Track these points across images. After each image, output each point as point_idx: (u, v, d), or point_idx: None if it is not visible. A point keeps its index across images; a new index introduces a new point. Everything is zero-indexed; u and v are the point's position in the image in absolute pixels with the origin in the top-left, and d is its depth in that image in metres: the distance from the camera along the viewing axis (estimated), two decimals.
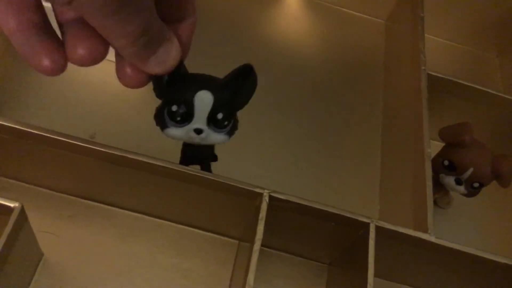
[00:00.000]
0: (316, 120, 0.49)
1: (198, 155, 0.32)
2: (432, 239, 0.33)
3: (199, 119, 0.27)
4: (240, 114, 0.47)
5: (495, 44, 0.60)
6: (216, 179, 0.31)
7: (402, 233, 0.33)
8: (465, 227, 0.46)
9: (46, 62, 0.19)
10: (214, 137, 0.28)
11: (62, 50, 0.19)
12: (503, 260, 0.33)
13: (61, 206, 0.37)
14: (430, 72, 0.42)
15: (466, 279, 0.37)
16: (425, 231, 0.33)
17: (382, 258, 0.32)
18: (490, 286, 0.37)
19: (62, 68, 0.20)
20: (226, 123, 0.28)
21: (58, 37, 0.20)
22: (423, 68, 0.42)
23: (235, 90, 0.28)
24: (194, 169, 0.31)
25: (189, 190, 0.33)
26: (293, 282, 0.39)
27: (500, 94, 0.44)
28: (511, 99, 0.44)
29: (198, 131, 0.27)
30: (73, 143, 0.30)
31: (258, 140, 0.45)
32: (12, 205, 0.28)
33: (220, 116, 0.27)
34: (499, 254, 0.33)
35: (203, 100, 0.26)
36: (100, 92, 0.44)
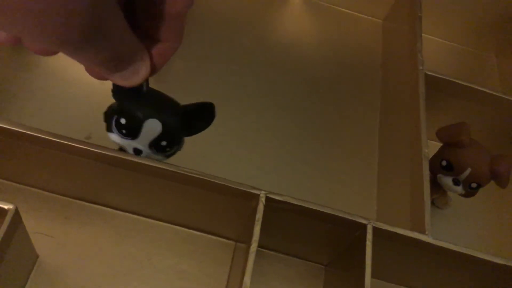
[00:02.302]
0: (314, 120, 0.49)
1: None
2: (430, 240, 0.33)
3: (142, 141, 0.28)
4: (237, 114, 0.47)
5: (493, 44, 0.60)
6: (213, 180, 0.31)
7: (399, 234, 0.32)
8: (462, 228, 0.45)
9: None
10: (153, 156, 0.29)
11: None
12: (501, 261, 0.33)
13: (57, 208, 0.37)
14: (427, 72, 0.42)
15: (463, 280, 0.37)
16: (423, 232, 0.33)
17: (380, 259, 0.32)
18: (487, 287, 0.37)
19: (12, 44, 0.19)
20: (168, 149, 0.29)
21: None
22: (420, 68, 0.42)
23: (189, 122, 0.28)
24: (190, 170, 0.31)
25: (185, 191, 0.33)
26: (290, 284, 0.38)
27: (498, 94, 0.44)
28: (509, 99, 0.44)
29: (137, 152, 0.29)
30: (68, 144, 0.30)
31: (255, 141, 0.45)
32: (6, 207, 0.28)
33: (163, 143, 0.28)
34: (496, 255, 0.33)
35: (151, 127, 0.27)
36: (95, 93, 0.43)
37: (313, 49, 0.54)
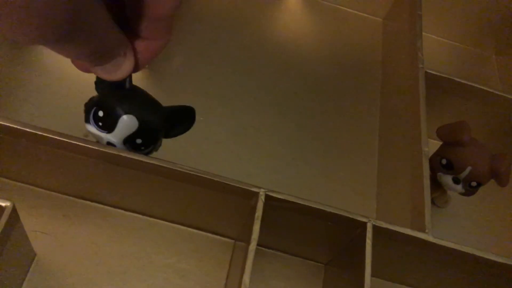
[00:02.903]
0: (313, 119, 0.48)
1: None
2: (430, 238, 0.32)
3: (117, 136, 0.28)
4: (237, 112, 0.47)
5: (493, 42, 0.59)
6: (212, 178, 0.30)
7: (399, 233, 0.32)
8: (462, 227, 0.45)
9: None
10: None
11: None
12: (501, 259, 0.33)
13: (55, 206, 0.37)
14: (428, 70, 0.42)
15: (464, 278, 0.37)
16: (423, 230, 0.33)
17: (379, 257, 0.31)
18: (487, 285, 0.37)
19: None
20: (142, 148, 0.29)
21: None
22: (421, 66, 0.42)
23: (168, 124, 0.28)
24: (190, 168, 0.30)
25: (184, 189, 0.32)
26: (289, 282, 0.38)
27: (498, 92, 0.44)
28: (509, 98, 0.44)
29: (110, 145, 0.29)
30: (67, 141, 0.30)
31: (254, 139, 0.45)
32: (3, 204, 0.27)
33: (138, 141, 0.28)
34: (497, 254, 0.33)
35: (127, 123, 0.27)
36: (94, 91, 0.43)
37: (313, 47, 0.54)
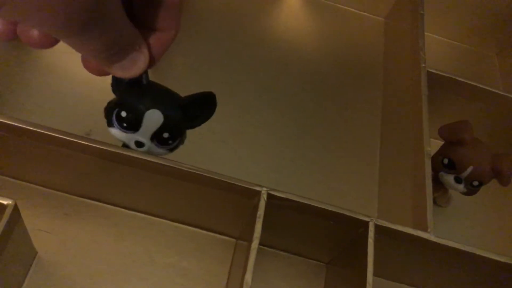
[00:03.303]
0: (315, 118, 0.48)
1: None
2: (432, 237, 0.32)
3: (144, 133, 0.28)
4: (239, 111, 0.47)
5: (495, 42, 0.59)
6: (214, 177, 0.30)
7: (401, 232, 0.32)
8: (464, 226, 0.45)
9: None
10: (155, 150, 0.29)
11: (13, 24, 0.19)
12: (503, 259, 0.33)
13: (56, 204, 0.37)
14: (430, 70, 0.42)
15: (465, 278, 0.37)
16: (425, 229, 0.33)
17: (381, 257, 0.31)
18: (489, 284, 0.37)
19: (6, 38, 0.19)
20: (170, 142, 0.28)
21: None
22: (423, 65, 0.42)
23: (191, 113, 0.28)
24: (192, 166, 0.30)
25: (186, 188, 0.32)
26: (291, 281, 0.38)
27: (500, 92, 0.44)
28: (510, 97, 0.44)
29: (139, 144, 0.28)
30: (69, 140, 0.30)
31: (257, 138, 0.45)
32: (5, 202, 0.27)
33: (166, 135, 0.28)
34: (498, 253, 0.33)
35: (153, 118, 0.27)
36: (96, 90, 0.43)
37: (315, 46, 0.54)
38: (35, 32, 0.19)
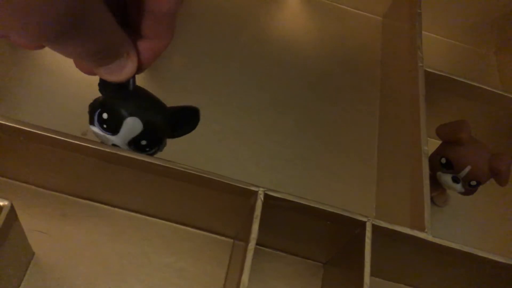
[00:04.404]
0: (312, 117, 0.48)
1: None
2: (429, 237, 0.32)
3: (122, 138, 0.28)
4: (236, 111, 0.47)
5: (492, 41, 0.59)
6: (210, 177, 0.30)
7: (399, 232, 0.32)
8: (462, 226, 0.45)
9: None
10: None
11: None
12: (500, 259, 0.33)
13: (53, 205, 0.37)
14: (427, 69, 0.42)
15: (463, 278, 0.37)
16: (422, 229, 0.33)
17: (379, 257, 0.31)
18: (487, 285, 0.37)
19: None
20: (147, 149, 0.29)
21: None
22: (420, 65, 0.42)
23: (173, 124, 0.28)
24: (188, 167, 0.30)
25: (183, 188, 0.32)
26: (288, 282, 0.38)
27: (498, 91, 0.44)
28: (508, 97, 0.44)
29: (115, 146, 0.28)
30: (65, 140, 0.30)
31: (253, 138, 0.45)
32: (1, 203, 0.27)
33: (143, 143, 0.28)
34: (496, 253, 0.33)
35: (132, 126, 0.27)
36: (92, 89, 0.43)
37: (312, 46, 0.54)
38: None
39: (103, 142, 0.30)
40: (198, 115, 0.28)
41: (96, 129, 0.28)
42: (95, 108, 0.28)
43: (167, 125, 0.28)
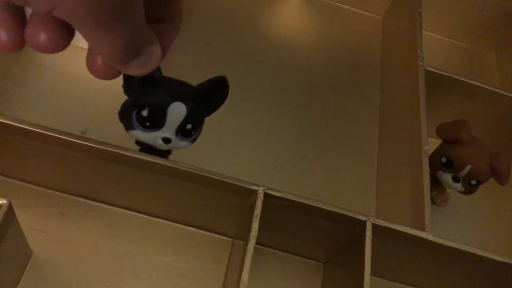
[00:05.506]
0: (312, 117, 0.48)
1: (155, 153, 0.32)
2: (430, 237, 0.32)
3: (169, 128, 0.27)
4: (236, 110, 0.46)
5: (492, 40, 0.59)
6: (211, 176, 0.30)
7: (399, 231, 0.32)
8: (462, 225, 0.45)
9: (0, 36, 0.18)
10: (179, 144, 0.28)
11: (22, 30, 0.18)
12: (500, 258, 0.33)
13: (51, 203, 0.37)
14: (428, 68, 0.42)
15: (463, 277, 0.37)
16: (423, 229, 0.33)
17: (379, 256, 0.31)
18: (487, 284, 0.37)
19: (16, 48, 0.18)
20: (193, 133, 0.28)
21: (24, 16, 0.19)
22: (420, 64, 0.42)
23: (206, 100, 0.28)
24: (188, 166, 0.30)
25: (183, 187, 0.32)
26: (288, 281, 0.38)
27: (498, 90, 0.44)
28: (508, 96, 0.44)
29: (167, 140, 0.27)
30: (64, 138, 0.29)
31: (254, 137, 0.45)
32: None
33: (189, 126, 0.27)
34: (496, 252, 0.33)
35: (177, 111, 0.26)
36: (92, 88, 0.43)
37: (313, 45, 0.54)
38: (42, 37, 0.18)
39: (149, 145, 0.28)
40: (227, 83, 0.27)
41: (138, 132, 0.27)
42: (128, 111, 0.27)
43: (202, 102, 0.27)
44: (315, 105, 0.49)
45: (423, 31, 0.45)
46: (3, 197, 0.27)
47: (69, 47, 0.19)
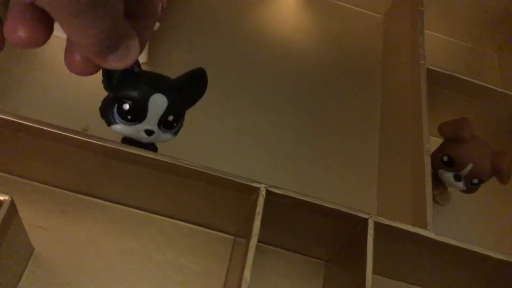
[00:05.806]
0: (314, 115, 0.48)
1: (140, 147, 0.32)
2: (432, 235, 0.32)
3: (151, 121, 0.27)
4: (238, 108, 0.46)
5: (494, 39, 0.59)
6: (212, 173, 0.30)
7: (401, 229, 0.32)
8: (463, 224, 0.45)
9: None
10: (162, 137, 0.29)
11: (0, 28, 0.18)
12: (502, 256, 0.33)
13: (53, 200, 0.37)
14: (429, 67, 0.42)
15: (465, 275, 0.37)
16: (424, 227, 0.33)
17: (381, 254, 0.31)
18: (488, 282, 0.37)
19: None
20: (175, 124, 0.28)
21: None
22: (422, 62, 0.42)
23: (186, 92, 0.28)
24: (190, 163, 0.30)
25: (185, 184, 0.32)
26: (289, 279, 0.38)
27: (500, 89, 0.44)
28: (510, 94, 0.44)
29: (149, 132, 0.28)
30: (65, 135, 0.29)
31: (256, 135, 0.45)
32: (1, 198, 0.27)
33: (171, 118, 0.28)
34: (498, 251, 0.33)
35: (158, 103, 0.27)
36: (93, 84, 0.43)
37: (314, 44, 0.54)
38: (21, 33, 0.18)
39: (132, 139, 0.29)
40: (205, 75, 0.28)
41: (120, 126, 0.27)
42: (109, 105, 0.27)
43: (182, 94, 0.28)
44: (316, 104, 0.49)
45: (425, 30, 0.45)
46: (6, 193, 0.27)
47: None
